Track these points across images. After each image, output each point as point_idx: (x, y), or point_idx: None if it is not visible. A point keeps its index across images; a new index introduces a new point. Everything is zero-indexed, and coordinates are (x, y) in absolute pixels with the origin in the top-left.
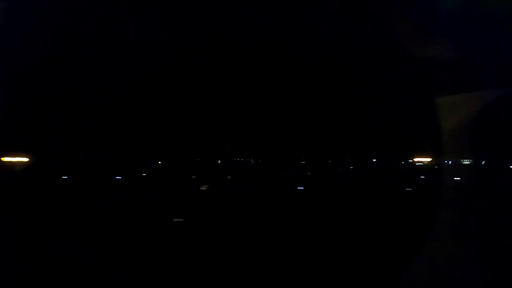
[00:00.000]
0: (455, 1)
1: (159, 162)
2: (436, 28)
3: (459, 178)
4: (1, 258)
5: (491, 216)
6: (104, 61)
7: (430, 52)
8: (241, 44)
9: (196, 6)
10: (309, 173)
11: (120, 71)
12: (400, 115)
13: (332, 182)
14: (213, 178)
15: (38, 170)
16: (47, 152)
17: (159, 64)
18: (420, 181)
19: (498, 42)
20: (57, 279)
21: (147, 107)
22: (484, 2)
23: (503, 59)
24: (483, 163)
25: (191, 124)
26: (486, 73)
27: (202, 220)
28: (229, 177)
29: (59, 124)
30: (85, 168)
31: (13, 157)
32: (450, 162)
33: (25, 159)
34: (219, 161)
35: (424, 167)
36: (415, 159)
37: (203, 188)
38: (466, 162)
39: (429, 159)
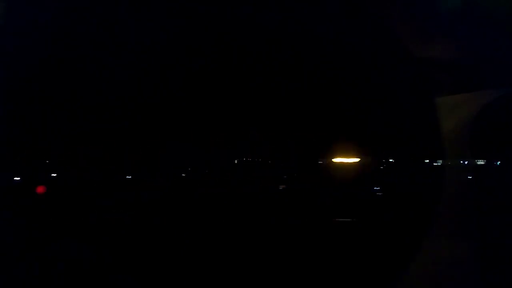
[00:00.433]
0: (455, 1)
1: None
2: (436, 28)
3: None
4: (1, 258)
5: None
6: (104, 61)
7: (430, 52)
8: (241, 44)
9: (196, 6)
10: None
11: (120, 71)
12: (400, 115)
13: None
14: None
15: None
16: (48, 153)
17: (159, 64)
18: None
19: (498, 42)
20: (57, 279)
21: (147, 107)
22: (484, 2)
23: (503, 59)
24: (498, 163)
25: (191, 124)
26: (486, 73)
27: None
28: (285, 176)
29: (61, 124)
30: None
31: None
32: (465, 162)
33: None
34: (235, 161)
35: (429, 167)
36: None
37: (282, 187)
38: (480, 162)
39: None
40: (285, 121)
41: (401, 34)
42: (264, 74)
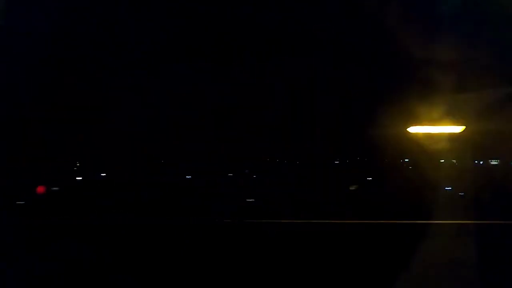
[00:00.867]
0: (455, 1)
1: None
2: (436, 28)
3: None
4: (1, 258)
5: None
6: (104, 61)
7: (430, 52)
8: (241, 44)
9: (196, 6)
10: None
11: (120, 70)
12: (400, 114)
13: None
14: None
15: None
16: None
17: (159, 64)
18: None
19: (498, 42)
20: (57, 279)
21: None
22: (484, 2)
23: (503, 59)
24: None
25: (191, 125)
26: (486, 73)
27: None
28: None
29: (62, 124)
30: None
31: None
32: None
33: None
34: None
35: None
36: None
37: (353, 188)
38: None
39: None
40: (284, 121)
41: (401, 34)
42: (264, 74)
